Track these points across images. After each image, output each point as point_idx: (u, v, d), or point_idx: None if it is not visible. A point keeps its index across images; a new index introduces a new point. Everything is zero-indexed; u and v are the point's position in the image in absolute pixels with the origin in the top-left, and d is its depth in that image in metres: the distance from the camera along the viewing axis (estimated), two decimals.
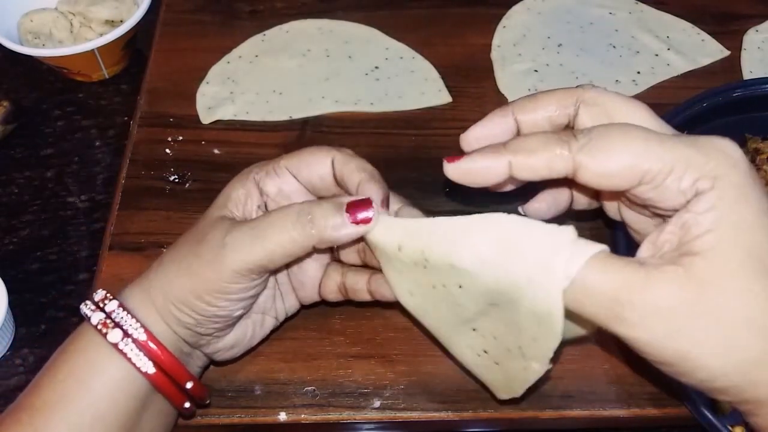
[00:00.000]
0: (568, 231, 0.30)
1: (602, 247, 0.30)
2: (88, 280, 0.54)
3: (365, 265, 0.42)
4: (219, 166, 0.56)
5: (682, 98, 0.53)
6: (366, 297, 0.42)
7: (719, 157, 0.30)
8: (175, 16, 0.66)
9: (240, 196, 0.40)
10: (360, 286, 0.42)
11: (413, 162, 0.55)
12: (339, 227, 0.36)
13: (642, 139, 0.30)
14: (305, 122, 0.58)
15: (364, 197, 0.37)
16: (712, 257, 0.28)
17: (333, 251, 0.44)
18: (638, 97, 0.58)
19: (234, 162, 0.56)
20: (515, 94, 0.59)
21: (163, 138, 0.57)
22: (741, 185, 0.29)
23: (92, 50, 0.61)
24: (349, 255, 0.43)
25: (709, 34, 0.62)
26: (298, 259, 0.41)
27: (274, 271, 0.41)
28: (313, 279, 0.43)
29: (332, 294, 0.43)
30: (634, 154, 0.30)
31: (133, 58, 0.66)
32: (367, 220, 0.36)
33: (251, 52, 0.63)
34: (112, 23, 0.64)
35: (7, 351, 0.52)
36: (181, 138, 0.58)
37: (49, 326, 0.53)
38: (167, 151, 0.57)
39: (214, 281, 0.37)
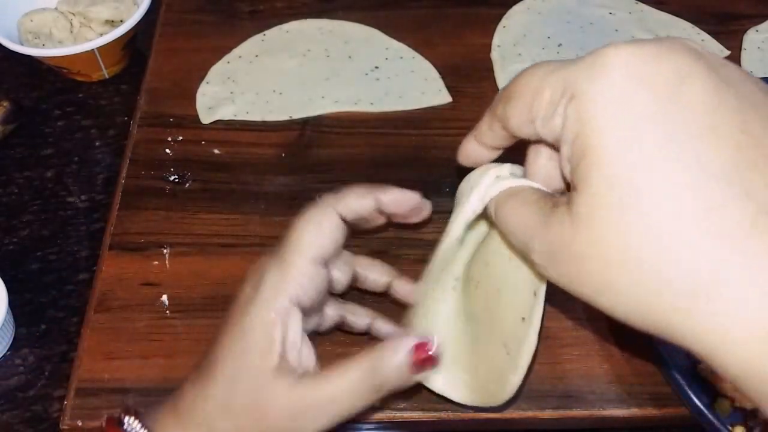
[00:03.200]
0: (499, 168, 0.33)
1: (519, 183, 0.32)
2: (88, 280, 0.54)
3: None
4: (219, 166, 0.56)
5: None
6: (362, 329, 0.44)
7: (585, 65, 0.25)
8: (175, 16, 0.66)
9: (294, 337, 0.36)
10: (361, 323, 0.43)
11: (413, 162, 0.56)
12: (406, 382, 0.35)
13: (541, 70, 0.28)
14: (305, 122, 0.58)
15: (423, 341, 0.35)
16: (582, 190, 0.25)
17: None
18: None
19: (234, 162, 0.56)
20: None
21: (163, 138, 0.57)
22: (608, 100, 0.24)
23: (92, 50, 0.61)
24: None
25: (709, 34, 0.62)
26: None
27: None
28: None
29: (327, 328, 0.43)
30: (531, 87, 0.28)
31: (133, 58, 0.66)
32: (430, 360, 0.35)
33: (251, 52, 0.63)
34: (112, 23, 0.64)
35: (7, 351, 0.52)
36: (181, 138, 0.58)
37: (49, 326, 0.53)
38: (167, 151, 0.57)
39: None
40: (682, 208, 0.23)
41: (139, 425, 0.36)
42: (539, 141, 0.29)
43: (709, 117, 0.23)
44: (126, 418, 0.36)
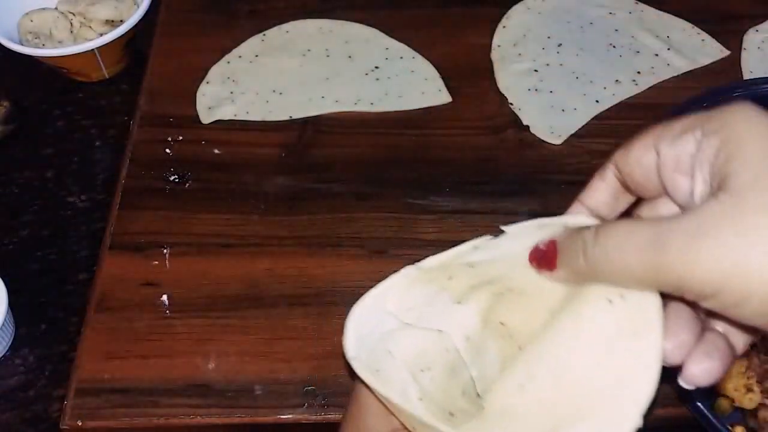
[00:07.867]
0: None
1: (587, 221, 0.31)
2: (88, 280, 0.53)
3: None
4: (219, 166, 0.56)
5: (682, 98, 0.53)
6: None
7: (716, 110, 0.30)
8: (175, 16, 0.66)
9: None
10: None
11: (413, 162, 0.56)
12: None
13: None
14: (305, 122, 0.58)
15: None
16: (732, 183, 0.27)
17: None
18: (638, 96, 0.58)
19: (234, 162, 0.56)
20: (515, 94, 0.59)
21: (163, 138, 0.57)
22: (749, 121, 0.29)
23: (92, 50, 0.61)
24: None
25: (709, 34, 0.62)
26: None
27: None
28: None
29: None
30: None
31: (133, 58, 0.66)
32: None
33: (251, 52, 0.63)
34: (112, 23, 0.64)
35: (7, 351, 0.52)
36: (181, 138, 0.58)
37: (49, 326, 0.53)
38: (167, 151, 0.57)
39: None
40: None
41: None
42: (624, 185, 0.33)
43: None
44: None
